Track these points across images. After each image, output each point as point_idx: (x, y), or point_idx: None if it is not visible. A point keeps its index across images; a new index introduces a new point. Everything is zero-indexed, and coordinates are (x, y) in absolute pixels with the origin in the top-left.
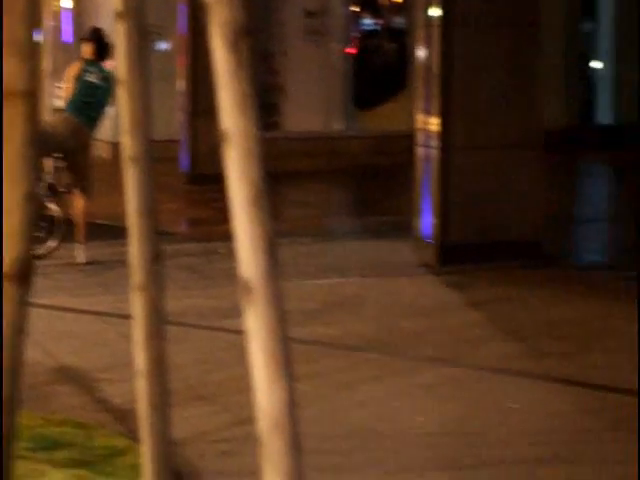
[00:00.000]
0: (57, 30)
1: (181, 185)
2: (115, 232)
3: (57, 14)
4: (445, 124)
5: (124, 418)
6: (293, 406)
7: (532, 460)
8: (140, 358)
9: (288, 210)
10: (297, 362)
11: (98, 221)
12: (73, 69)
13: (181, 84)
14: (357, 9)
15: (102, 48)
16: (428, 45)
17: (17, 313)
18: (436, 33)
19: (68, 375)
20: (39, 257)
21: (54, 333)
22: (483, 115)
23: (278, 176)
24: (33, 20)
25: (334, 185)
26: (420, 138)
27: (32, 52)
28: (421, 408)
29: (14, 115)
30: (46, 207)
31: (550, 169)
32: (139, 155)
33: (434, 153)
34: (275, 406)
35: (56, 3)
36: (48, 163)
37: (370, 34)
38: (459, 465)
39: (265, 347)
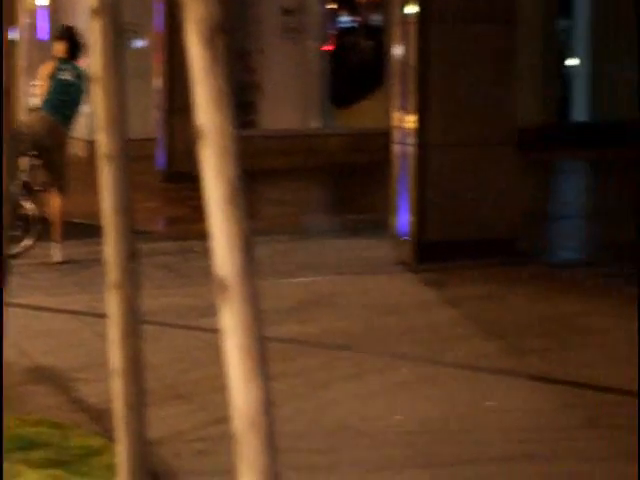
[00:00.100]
0: (33, 28)
1: (157, 183)
2: (91, 231)
3: (33, 12)
4: (421, 121)
5: (100, 418)
6: (269, 404)
7: (511, 457)
8: (116, 357)
9: (265, 208)
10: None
11: (74, 220)
12: (47, 68)
13: (157, 82)
14: (334, 6)
15: (75, 46)
16: (405, 42)
17: None
18: (412, 30)
19: (44, 375)
20: (15, 256)
21: (30, 332)
22: (460, 112)
23: (255, 174)
24: (9, 18)
25: (311, 183)
26: (397, 135)
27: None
28: (399, 406)
29: None
30: (22, 206)
31: (526, 166)
32: (115, 153)
33: (411, 150)
34: (251, 404)
35: (31, 1)
36: (24, 162)
37: (347, 32)
38: (437, 463)
39: (241, 345)
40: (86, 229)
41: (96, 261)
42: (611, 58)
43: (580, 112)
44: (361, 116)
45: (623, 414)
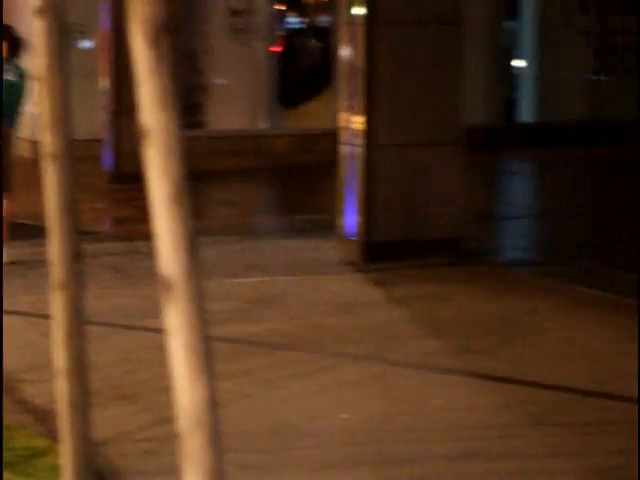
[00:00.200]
0: None
1: (104, 184)
2: (36, 231)
3: None
4: (369, 122)
5: (45, 419)
6: (214, 403)
7: (456, 455)
8: (60, 357)
9: (213, 209)
10: (221, 360)
11: (19, 220)
12: None
13: (104, 82)
14: (282, 8)
15: (15, 45)
16: (352, 43)
17: None
18: (360, 31)
19: None
20: None
21: None
22: (407, 113)
23: (202, 175)
24: None
25: (259, 184)
26: (344, 136)
27: None
28: (345, 405)
29: None
30: None
31: (473, 167)
32: (59, 152)
33: (358, 151)
34: (196, 403)
35: None
36: None
37: (295, 33)
38: (384, 461)
39: (185, 344)
40: (31, 230)
41: (41, 262)
42: (557, 59)
43: (527, 113)
44: (309, 117)
45: (567, 412)
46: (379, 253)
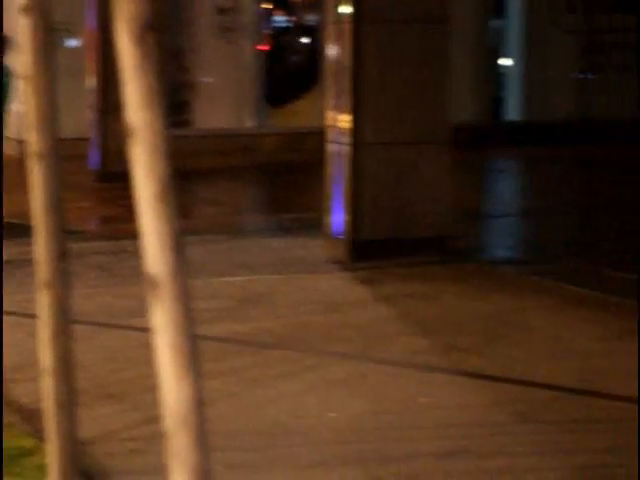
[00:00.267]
0: None
1: (91, 183)
2: (22, 230)
3: None
4: (356, 121)
5: (31, 418)
6: (200, 402)
7: (443, 453)
8: (46, 356)
9: (200, 208)
10: (208, 359)
11: (5, 219)
12: None
13: (91, 81)
14: (269, 6)
15: (0, 44)
16: (339, 42)
17: None
18: (347, 30)
19: None
20: None
21: None
22: (394, 111)
23: (190, 174)
24: None
25: (246, 182)
26: (331, 135)
27: None
28: (333, 404)
29: None
30: None
31: (461, 165)
32: (45, 151)
33: (345, 149)
34: (182, 402)
35: None
36: None
37: (282, 31)
38: (371, 459)
39: (172, 343)
40: (17, 229)
41: (27, 261)
42: (544, 58)
43: (514, 111)
44: (296, 115)
45: (555, 410)
46: (366, 251)
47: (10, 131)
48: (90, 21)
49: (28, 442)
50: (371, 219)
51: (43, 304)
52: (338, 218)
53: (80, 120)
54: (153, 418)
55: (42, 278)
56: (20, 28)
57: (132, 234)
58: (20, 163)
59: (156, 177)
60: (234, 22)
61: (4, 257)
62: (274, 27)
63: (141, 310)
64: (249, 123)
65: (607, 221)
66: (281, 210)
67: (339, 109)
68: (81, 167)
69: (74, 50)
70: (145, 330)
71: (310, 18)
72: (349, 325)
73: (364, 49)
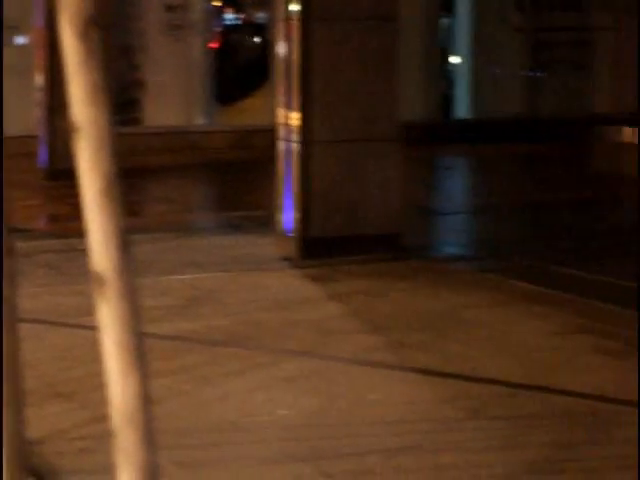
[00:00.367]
0: None
1: (39, 181)
2: None
3: None
4: (305, 118)
5: None
6: (147, 399)
7: (394, 449)
8: None
9: (149, 206)
10: (158, 358)
11: None
12: None
13: (39, 79)
14: (218, 3)
15: None
16: (288, 40)
17: None
18: (295, 28)
19: None
20: None
21: None
22: (343, 109)
23: (139, 171)
24: None
25: (196, 180)
26: (281, 132)
27: None
28: (283, 401)
29: None
30: None
31: (411, 163)
32: None
33: (295, 147)
34: (128, 400)
35: None
36: None
37: (232, 29)
38: (321, 456)
39: (118, 340)
40: None
41: None
42: (493, 56)
43: (464, 109)
44: (246, 113)
45: (503, 405)
46: (317, 249)
47: None
48: (38, 19)
49: None
50: (321, 216)
51: None
52: (288, 216)
53: (29, 118)
54: (102, 417)
55: None
56: None
57: (80, 232)
58: None
59: (101, 173)
60: (183, 19)
61: None
62: (224, 25)
63: (90, 308)
64: (199, 121)
65: (556, 218)
66: (231, 208)
67: (289, 107)
68: (30, 165)
69: (22, 48)
70: (94, 328)
71: (260, 16)
72: (299, 322)
73: (313, 47)
